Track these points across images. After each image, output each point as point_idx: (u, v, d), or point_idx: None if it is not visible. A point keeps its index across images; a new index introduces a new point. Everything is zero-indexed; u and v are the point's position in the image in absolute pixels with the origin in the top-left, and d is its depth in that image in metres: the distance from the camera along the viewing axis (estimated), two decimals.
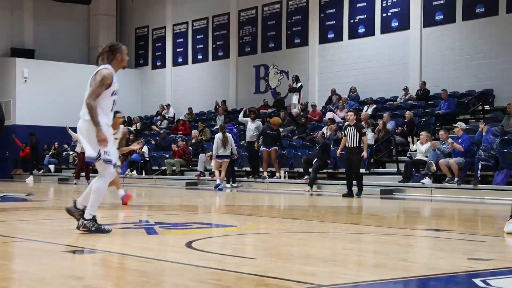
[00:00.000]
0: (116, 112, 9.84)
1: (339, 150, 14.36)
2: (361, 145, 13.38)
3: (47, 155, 25.42)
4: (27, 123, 25.41)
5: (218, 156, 16.83)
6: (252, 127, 18.15)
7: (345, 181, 13.65)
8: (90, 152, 5.96)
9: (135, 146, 13.44)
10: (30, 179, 22.73)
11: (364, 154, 13.68)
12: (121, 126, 10.63)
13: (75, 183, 20.36)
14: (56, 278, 3.86)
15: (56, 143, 25.69)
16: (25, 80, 26.71)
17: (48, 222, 7.77)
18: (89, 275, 3.92)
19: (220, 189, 16.37)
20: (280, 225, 7.61)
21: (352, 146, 13.24)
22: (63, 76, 27.34)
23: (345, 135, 13.45)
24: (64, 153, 25.50)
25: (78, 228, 6.07)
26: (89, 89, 6.09)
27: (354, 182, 13.37)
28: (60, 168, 25.43)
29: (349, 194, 13.35)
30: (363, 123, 16.03)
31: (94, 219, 6.08)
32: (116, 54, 6.22)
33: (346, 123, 13.98)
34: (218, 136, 16.89)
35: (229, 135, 17.02)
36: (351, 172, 13.34)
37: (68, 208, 6.23)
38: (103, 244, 5.53)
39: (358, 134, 13.26)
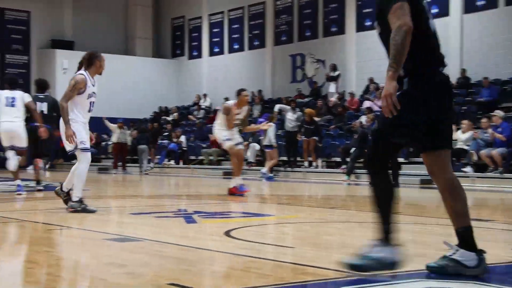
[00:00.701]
0: (242, 90, 9.89)
1: None
2: None
3: None
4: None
5: (265, 146, 17.18)
6: (292, 117, 18.03)
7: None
8: (67, 145, 6.97)
9: (264, 126, 12.85)
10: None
11: None
12: (245, 106, 10.08)
13: (114, 173, 20.59)
14: (99, 265, 3.91)
15: (94, 133, 26.00)
16: (65, 72, 27.05)
17: None
18: (130, 262, 3.95)
19: (270, 178, 16.34)
20: (319, 214, 7.58)
21: None
22: None
23: None
24: (103, 143, 25.81)
25: (67, 209, 7.01)
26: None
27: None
28: (99, 157, 25.76)
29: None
30: None
31: (80, 200, 6.99)
32: (95, 61, 7.13)
33: None
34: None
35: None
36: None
37: (56, 191, 7.32)
38: (143, 233, 5.58)
39: None
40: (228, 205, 8.85)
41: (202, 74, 28.09)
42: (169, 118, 25.96)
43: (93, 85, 7.20)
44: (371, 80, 20.67)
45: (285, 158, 18.56)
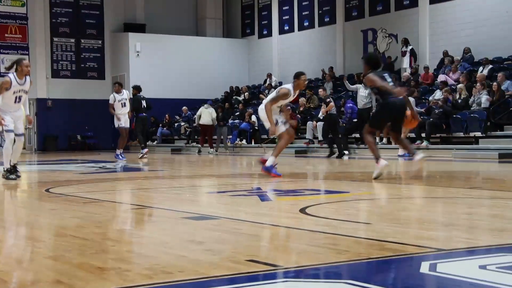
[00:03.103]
0: (301, 74, 9.25)
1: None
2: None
3: (159, 126, 26.27)
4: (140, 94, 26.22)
5: None
6: (364, 93, 17.64)
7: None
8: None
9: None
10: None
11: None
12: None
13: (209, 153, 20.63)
14: (178, 243, 3.98)
15: (167, 115, 26.47)
16: (138, 54, 27.59)
17: (165, 190, 8.04)
18: (208, 239, 4.01)
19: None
20: (394, 190, 7.48)
21: None
22: (173, 48, 28.04)
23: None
24: (175, 124, 26.24)
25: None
26: None
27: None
28: (172, 138, 26.22)
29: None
30: (478, 84, 15.45)
31: (7, 170, 9.27)
32: (18, 66, 9.09)
33: None
34: None
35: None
36: None
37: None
38: (219, 211, 5.65)
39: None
40: (302, 182, 8.84)
41: (272, 53, 28.04)
42: (240, 98, 26.11)
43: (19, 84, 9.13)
44: (445, 53, 20.13)
45: (357, 136, 18.38)
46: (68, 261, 3.43)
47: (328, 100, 16.88)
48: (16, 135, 9.21)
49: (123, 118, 16.51)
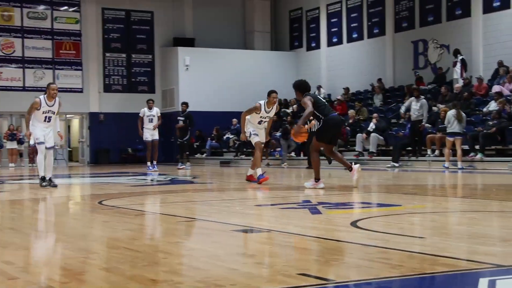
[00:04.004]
0: (272, 92, 11.11)
1: None
2: None
3: (208, 139, 26.45)
4: (189, 109, 26.33)
5: (450, 134, 15.69)
6: (416, 106, 17.48)
7: None
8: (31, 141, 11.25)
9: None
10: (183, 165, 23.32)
11: None
12: (274, 105, 11.31)
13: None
14: (229, 255, 3.98)
15: (216, 128, 26.64)
16: (187, 68, 27.88)
17: (215, 203, 8.06)
18: (259, 253, 4.00)
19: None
20: (448, 204, 7.33)
21: None
22: (222, 62, 28.24)
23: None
24: (224, 136, 26.36)
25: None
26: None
27: None
28: (221, 151, 26.34)
29: None
30: None
31: (41, 178, 10.54)
32: (47, 89, 10.51)
33: None
34: (451, 112, 15.77)
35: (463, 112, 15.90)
36: None
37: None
38: (270, 224, 5.64)
39: None
40: (352, 196, 8.76)
41: (321, 65, 27.97)
42: (289, 110, 26.08)
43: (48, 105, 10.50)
44: (500, 63, 19.68)
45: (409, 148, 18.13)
46: (121, 273, 3.47)
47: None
48: (46, 148, 10.42)
49: (149, 132, 17.71)
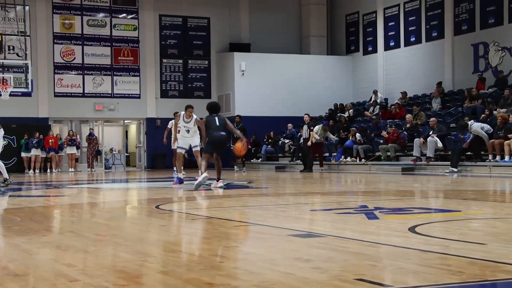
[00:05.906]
0: (188, 107, 13.22)
1: None
2: None
3: (264, 144, 26.50)
4: (245, 114, 26.57)
5: None
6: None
7: None
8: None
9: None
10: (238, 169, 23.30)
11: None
12: (192, 118, 13.29)
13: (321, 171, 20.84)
14: (285, 260, 3.97)
15: (271, 132, 26.66)
16: (243, 73, 28.02)
17: (271, 207, 8.06)
18: (315, 257, 3.97)
19: None
20: (510, 209, 7.13)
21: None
22: (277, 67, 28.27)
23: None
24: (279, 141, 26.36)
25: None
26: None
27: None
28: (276, 156, 26.35)
29: None
30: None
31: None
32: (186, 110, 13.10)
33: None
34: None
35: None
36: None
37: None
38: (326, 229, 5.60)
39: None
40: (410, 200, 8.62)
41: (377, 69, 27.68)
42: (345, 115, 25.91)
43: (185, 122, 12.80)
44: None
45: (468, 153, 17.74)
46: (178, 276, 3.50)
47: (312, 128, 20.31)
48: (189, 149, 13.10)
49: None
